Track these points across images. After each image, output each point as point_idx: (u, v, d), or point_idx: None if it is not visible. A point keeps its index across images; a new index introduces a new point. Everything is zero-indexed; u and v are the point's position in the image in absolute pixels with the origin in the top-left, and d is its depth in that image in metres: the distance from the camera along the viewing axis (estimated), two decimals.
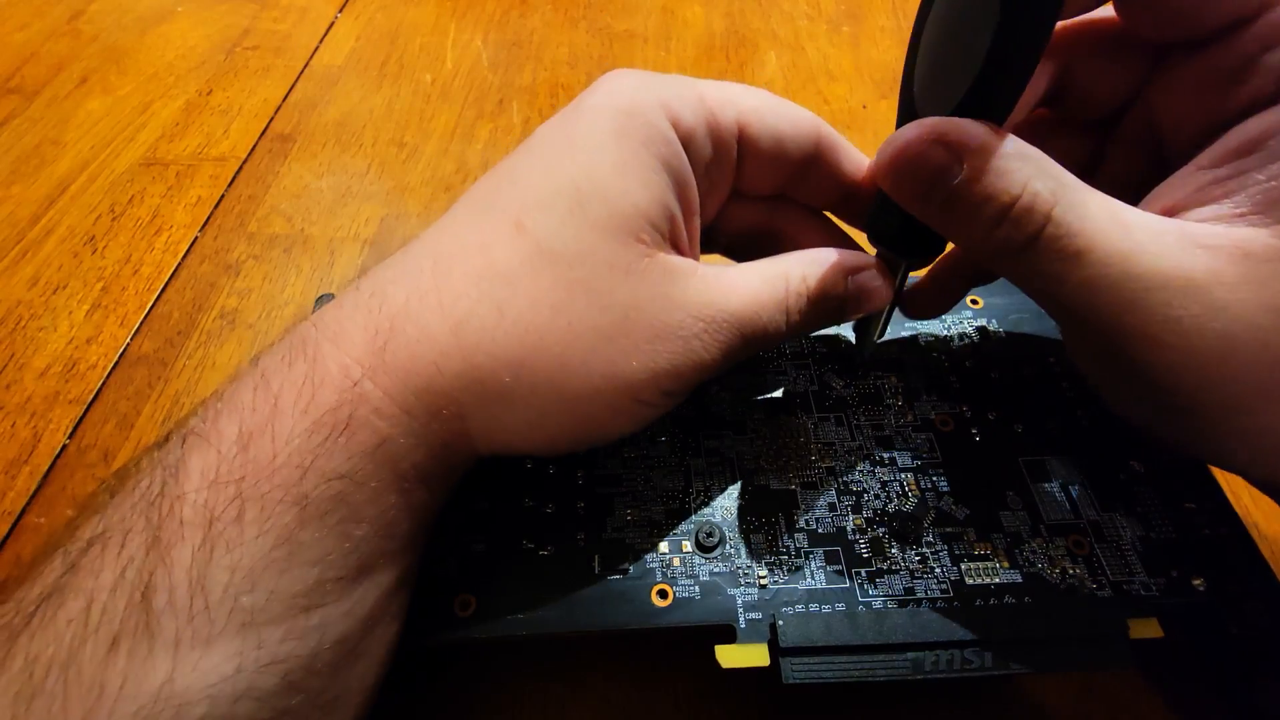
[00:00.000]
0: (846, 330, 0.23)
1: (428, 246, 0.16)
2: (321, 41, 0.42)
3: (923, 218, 0.15)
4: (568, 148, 0.15)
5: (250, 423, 0.14)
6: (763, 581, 0.18)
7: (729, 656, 0.16)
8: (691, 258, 0.17)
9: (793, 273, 0.17)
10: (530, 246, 0.15)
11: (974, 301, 0.24)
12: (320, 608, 0.13)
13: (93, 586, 0.12)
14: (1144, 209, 0.14)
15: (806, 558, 0.18)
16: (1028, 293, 0.15)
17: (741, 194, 0.19)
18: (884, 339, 0.23)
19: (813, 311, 0.17)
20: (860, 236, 0.19)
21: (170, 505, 0.13)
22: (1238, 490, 0.22)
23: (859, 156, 0.18)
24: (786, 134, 0.17)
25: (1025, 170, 0.13)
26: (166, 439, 0.15)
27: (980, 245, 0.14)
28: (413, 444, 0.15)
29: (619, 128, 0.15)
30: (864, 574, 0.18)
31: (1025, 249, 0.13)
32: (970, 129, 0.13)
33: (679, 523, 0.19)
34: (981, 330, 0.23)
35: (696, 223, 0.17)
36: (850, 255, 0.17)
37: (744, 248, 0.20)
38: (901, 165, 0.14)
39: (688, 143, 0.16)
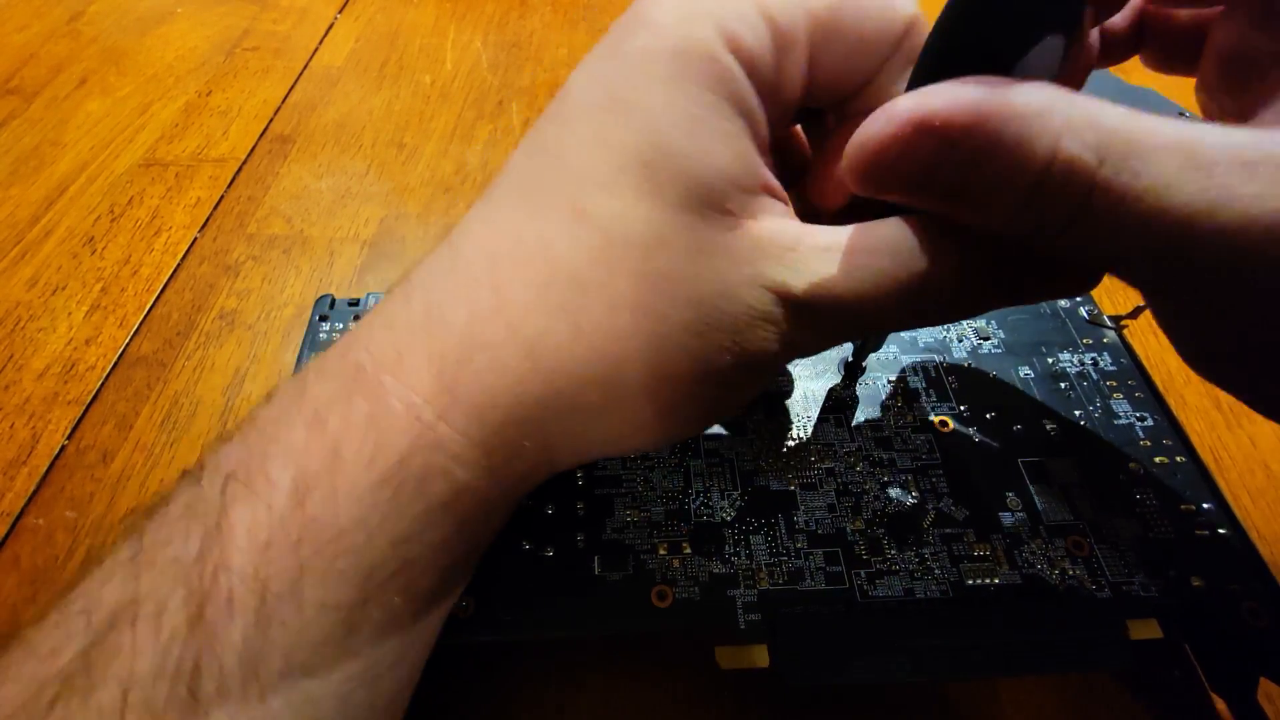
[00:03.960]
0: None
1: (479, 245, 0.13)
2: (321, 42, 0.42)
3: (928, 208, 0.12)
4: (620, 108, 0.12)
5: (306, 472, 0.12)
6: (762, 582, 0.18)
7: (729, 657, 0.16)
8: (780, 198, 0.14)
9: (916, 249, 0.13)
10: (597, 238, 0.12)
11: None
12: (376, 675, 0.12)
13: (129, 673, 0.10)
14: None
15: (806, 559, 0.18)
16: (1079, 259, 0.11)
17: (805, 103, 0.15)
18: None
19: (936, 302, 0.13)
20: None
21: (214, 572, 0.11)
22: (1237, 491, 0.22)
23: None
24: (870, 34, 0.13)
25: (1049, 128, 0.09)
26: (200, 473, 0.13)
27: (1013, 230, 0.11)
28: (488, 485, 0.13)
29: (676, 72, 0.12)
30: (863, 575, 0.18)
31: (1069, 226, 0.10)
32: (954, 96, 0.10)
33: (679, 523, 0.19)
34: (980, 331, 0.23)
35: (770, 158, 0.14)
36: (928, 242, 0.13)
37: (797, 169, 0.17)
38: (875, 173, 0.11)
39: (751, 69, 0.12)
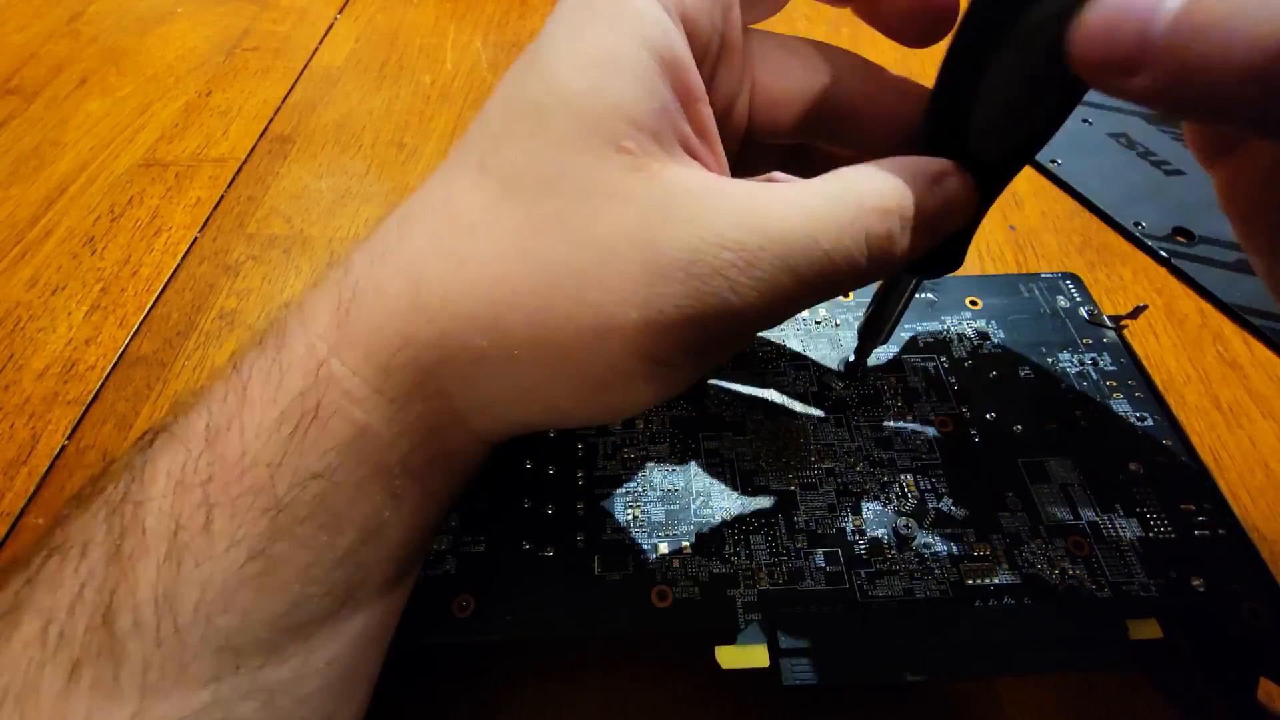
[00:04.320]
0: (847, 333, 0.23)
1: (401, 209, 0.14)
2: (321, 43, 0.42)
3: (1153, 93, 0.10)
4: (529, 63, 0.12)
5: (219, 416, 0.12)
6: (762, 582, 0.18)
7: (729, 657, 0.16)
8: (711, 165, 0.13)
9: (868, 185, 0.12)
10: (492, 186, 0.12)
11: (973, 302, 0.24)
12: (306, 628, 0.12)
13: (50, 605, 0.11)
14: None
15: (806, 558, 0.18)
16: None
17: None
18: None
19: (900, 240, 0.13)
20: None
21: (133, 511, 0.12)
22: (1237, 491, 0.22)
23: None
24: None
25: None
26: (142, 437, 0.13)
27: (1244, 78, 0.09)
28: (395, 432, 0.13)
29: (579, 18, 0.12)
30: (863, 575, 0.18)
31: None
32: None
33: (679, 523, 0.19)
34: (980, 331, 0.23)
35: (705, 111, 0.13)
36: (930, 161, 0.13)
37: (807, 155, 0.17)
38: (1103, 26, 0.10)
39: (684, 12, 0.12)
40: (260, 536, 0.12)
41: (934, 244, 0.13)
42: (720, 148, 0.14)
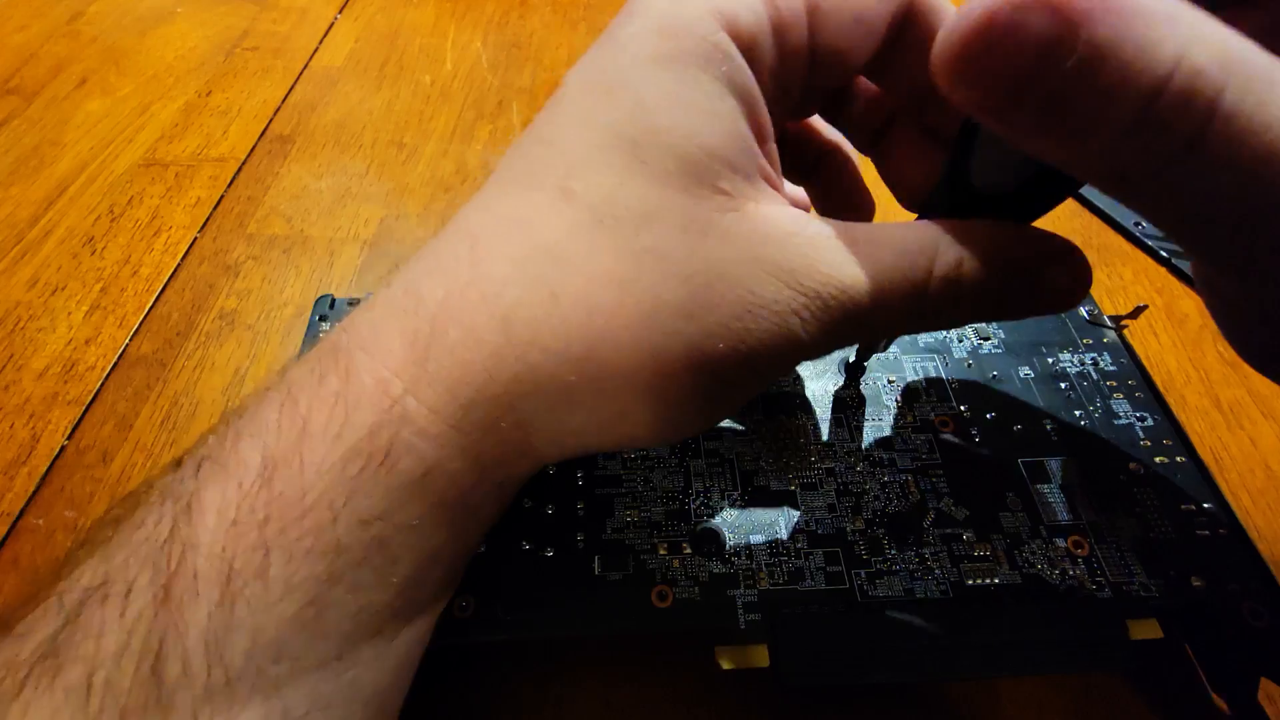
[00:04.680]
0: None
1: (464, 229, 0.13)
2: (321, 43, 0.42)
3: (1008, 131, 0.10)
4: (608, 90, 0.12)
5: (275, 449, 0.12)
6: (762, 582, 0.18)
7: (729, 657, 0.16)
8: (782, 191, 0.13)
9: (945, 249, 0.12)
10: (583, 214, 0.12)
11: None
12: (352, 668, 0.12)
13: (94, 653, 0.10)
14: None
15: (806, 559, 0.18)
16: (1163, 221, 0.10)
17: (811, 90, 0.15)
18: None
19: (961, 305, 0.12)
20: None
21: (182, 552, 0.11)
22: (1237, 491, 0.22)
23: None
24: (870, 9, 0.13)
25: (1177, 35, 0.08)
26: (180, 462, 0.13)
27: (1102, 164, 0.09)
28: (464, 468, 0.12)
29: (665, 52, 0.12)
30: (863, 575, 0.18)
31: (1174, 161, 0.09)
32: None
33: (679, 524, 0.19)
34: (980, 331, 0.23)
35: (773, 147, 0.14)
36: (1028, 234, 0.12)
37: (813, 162, 0.17)
38: (980, 49, 0.09)
39: (750, 51, 0.12)
40: (317, 582, 0.11)
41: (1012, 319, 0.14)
42: (780, 170, 0.14)
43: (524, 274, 0.12)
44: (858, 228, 0.13)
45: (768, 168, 0.13)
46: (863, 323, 0.12)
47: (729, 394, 0.13)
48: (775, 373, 0.13)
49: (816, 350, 0.13)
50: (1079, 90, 0.09)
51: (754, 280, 0.12)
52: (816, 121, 0.18)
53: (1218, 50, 0.08)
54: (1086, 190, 0.31)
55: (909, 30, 0.14)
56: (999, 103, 0.09)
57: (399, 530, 0.12)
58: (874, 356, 0.22)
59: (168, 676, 0.10)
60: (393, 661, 0.13)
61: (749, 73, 0.12)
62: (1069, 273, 0.13)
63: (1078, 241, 0.31)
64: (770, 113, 0.13)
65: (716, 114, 0.12)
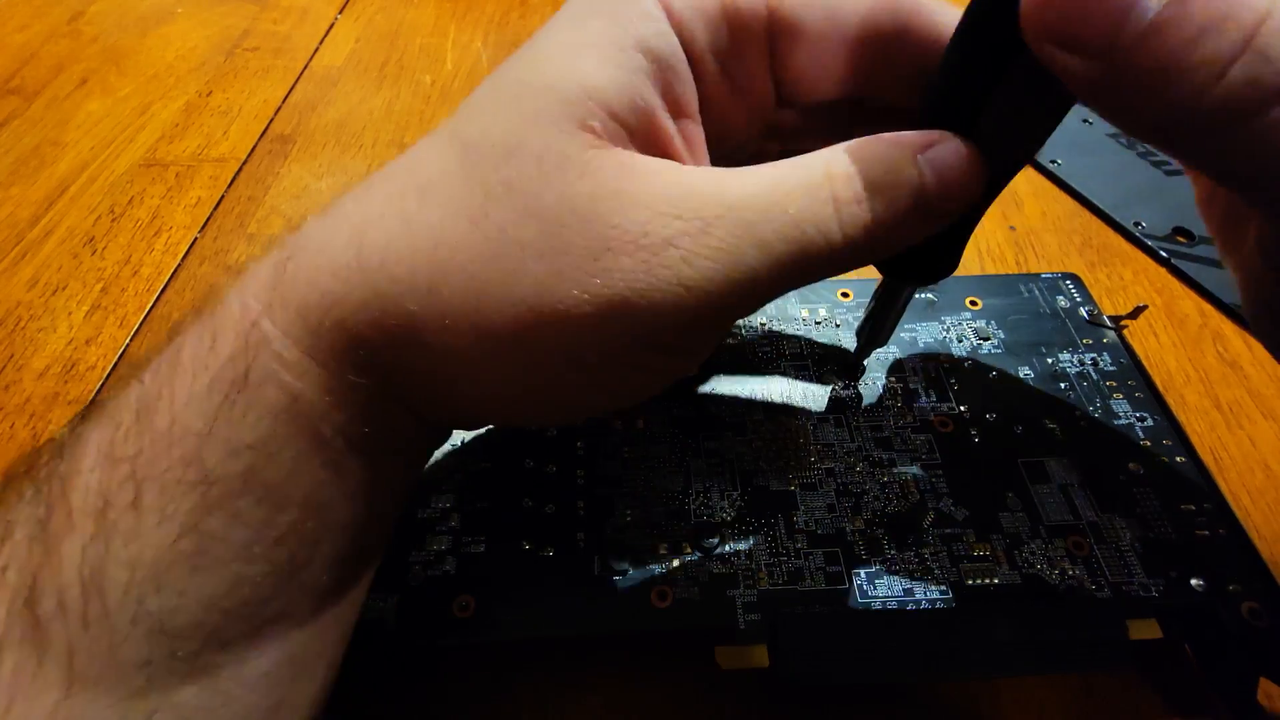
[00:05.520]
0: (847, 334, 0.23)
1: (375, 177, 0.13)
2: (321, 43, 0.42)
3: (1091, 83, 0.09)
4: (527, 45, 0.13)
5: (150, 385, 0.12)
6: (762, 583, 0.18)
7: (729, 657, 0.16)
8: (679, 159, 0.13)
9: (834, 154, 0.11)
10: (457, 151, 0.12)
11: (973, 303, 0.24)
12: (247, 610, 0.12)
13: None
14: None
15: (806, 559, 0.18)
16: (1242, 174, 0.09)
17: (794, 100, 0.14)
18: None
19: (878, 202, 0.11)
20: None
21: (59, 488, 0.11)
22: (1237, 491, 0.22)
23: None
24: (843, 6, 0.12)
25: None
26: (76, 415, 0.13)
27: (1192, 109, 0.09)
28: (330, 402, 0.12)
29: (581, 10, 0.12)
30: (863, 575, 0.18)
31: (1272, 101, 0.08)
32: None
33: (679, 524, 0.19)
34: (980, 331, 0.23)
35: (695, 130, 0.13)
36: (911, 133, 0.12)
37: None
38: (1065, 4, 0.09)
39: (682, 25, 0.12)
40: (191, 511, 0.11)
41: (927, 226, 0.12)
42: (705, 161, 0.13)
43: (389, 205, 0.12)
44: (743, 168, 0.12)
45: (674, 140, 0.12)
46: (770, 246, 0.11)
47: (622, 370, 0.12)
48: (676, 338, 0.12)
49: (721, 297, 0.11)
50: (1177, 25, 0.08)
51: (614, 213, 0.11)
52: None
53: None
54: (1087, 191, 0.31)
55: (902, 41, 0.13)
56: (1091, 45, 0.09)
57: (272, 459, 0.12)
58: (874, 356, 0.22)
59: (42, 610, 0.10)
60: (300, 618, 0.12)
61: (672, 39, 0.12)
62: (953, 150, 0.12)
63: (1077, 241, 0.31)
64: (711, 94, 0.13)
65: (607, 60, 0.11)
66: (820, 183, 0.11)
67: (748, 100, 0.14)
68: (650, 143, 0.12)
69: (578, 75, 0.11)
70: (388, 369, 0.12)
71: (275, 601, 0.12)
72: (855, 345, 0.21)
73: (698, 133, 0.13)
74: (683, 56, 0.12)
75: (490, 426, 0.20)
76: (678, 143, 0.12)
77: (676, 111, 0.12)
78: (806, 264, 0.11)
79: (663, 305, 0.11)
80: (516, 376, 0.12)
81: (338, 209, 0.13)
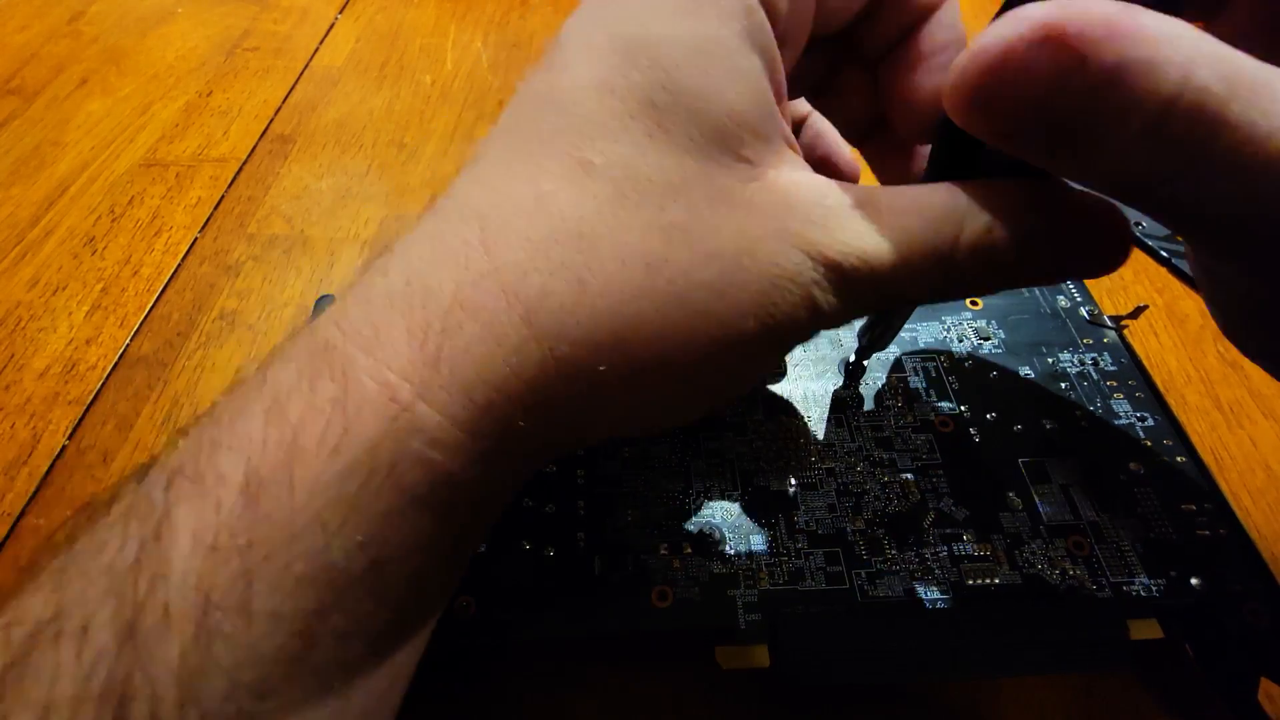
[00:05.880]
0: (847, 334, 0.23)
1: (468, 208, 0.12)
2: (321, 43, 0.42)
3: (1025, 156, 0.10)
4: (623, 47, 0.11)
5: (261, 464, 0.10)
6: (763, 582, 0.18)
7: (729, 657, 0.16)
8: (796, 152, 0.13)
9: (972, 213, 0.11)
10: (605, 188, 0.11)
11: (973, 303, 0.24)
12: (342, 695, 0.11)
13: (46, 698, 0.09)
14: None
15: (806, 559, 0.18)
16: (1175, 226, 0.10)
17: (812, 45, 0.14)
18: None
19: (991, 271, 0.12)
20: None
21: (150, 582, 0.10)
22: (1237, 491, 0.22)
23: None
24: None
25: (1181, 55, 0.08)
26: (145, 473, 0.11)
27: (1116, 178, 0.10)
28: (477, 475, 0.11)
29: (686, 5, 0.11)
30: (864, 575, 0.18)
31: (1186, 171, 0.09)
32: (1086, 7, 0.09)
33: (679, 523, 0.19)
34: (980, 331, 0.23)
35: (788, 105, 0.13)
36: (1058, 193, 0.12)
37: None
38: (993, 88, 0.09)
39: (767, 2, 0.12)
40: (307, 615, 0.10)
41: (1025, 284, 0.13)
42: (793, 129, 0.13)
43: (546, 258, 0.11)
44: (881, 193, 0.12)
45: (787, 129, 0.12)
46: (885, 292, 0.12)
47: (751, 367, 0.13)
48: (796, 343, 0.13)
49: (836, 320, 0.12)
50: (1091, 113, 0.09)
51: (780, 254, 0.11)
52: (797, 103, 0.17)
53: (1219, 66, 0.08)
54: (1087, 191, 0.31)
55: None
56: (1014, 130, 0.09)
57: (401, 549, 0.11)
58: (874, 356, 0.22)
59: (134, 717, 0.09)
60: (385, 682, 0.12)
61: (769, 27, 0.11)
62: (1104, 230, 0.12)
63: None
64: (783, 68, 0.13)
65: (740, 73, 0.11)
66: (944, 253, 0.11)
67: (795, 51, 0.13)
68: (780, 143, 0.12)
69: (720, 99, 0.11)
70: (554, 423, 0.12)
71: (367, 682, 0.11)
72: (857, 346, 0.21)
73: (789, 109, 0.13)
74: (775, 42, 0.12)
75: None
76: (789, 132, 0.12)
77: (779, 97, 0.12)
78: (900, 302, 0.12)
79: (802, 326, 0.12)
80: (682, 399, 0.12)
81: (469, 261, 0.11)
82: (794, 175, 0.12)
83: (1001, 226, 0.11)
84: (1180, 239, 0.29)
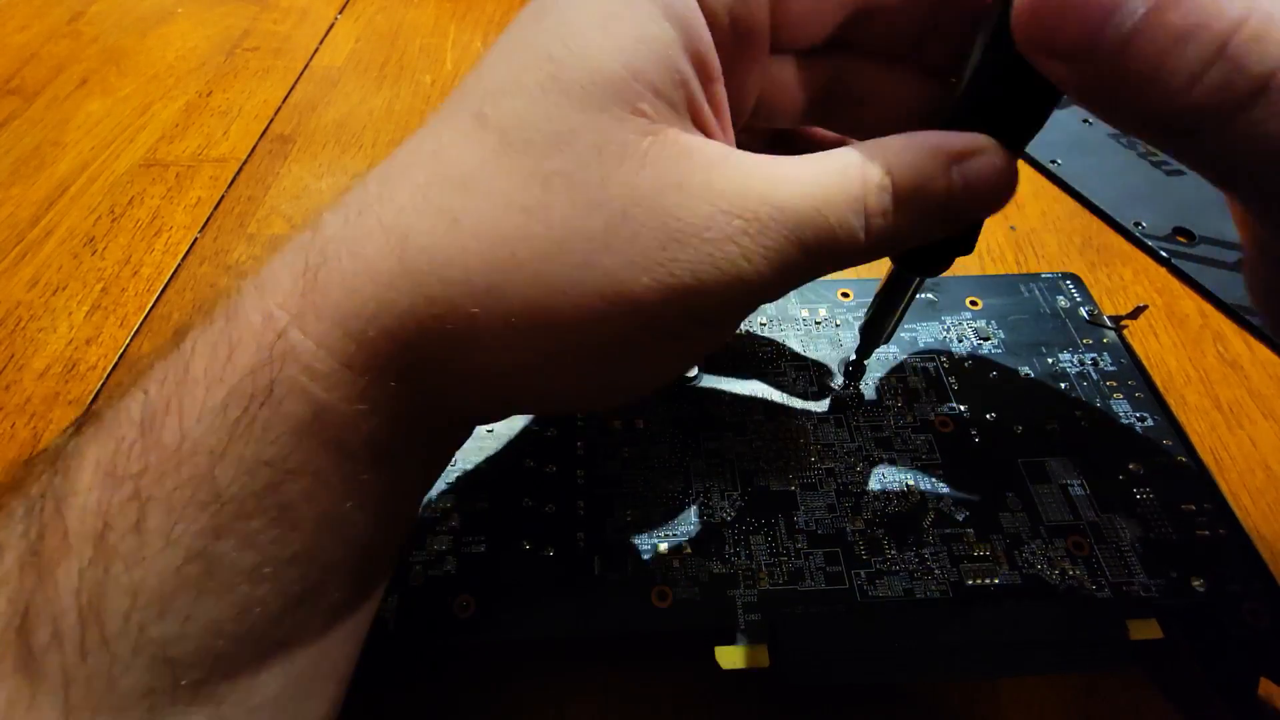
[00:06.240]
0: (847, 333, 0.23)
1: (378, 167, 0.12)
2: (321, 43, 0.42)
3: (1080, 82, 0.10)
4: (540, 13, 0.12)
5: (156, 398, 0.11)
6: (762, 583, 0.18)
7: (729, 657, 0.16)
8: (714, 137, 0.13)
9: (870, 162, 0.12)
10: (493, 139, 0.11)
11: (973, 302, 0.24)
12: (255, 633, 0.11)
13: None
14: None
15: (806, 559, 0.18)
16: (1222, 170, 0.10)
17: (782, 47, 0.14)
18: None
19: (904, 213, 0.12)
20: None
21: (53, 508, 0.10)
22: (1237, 491, 0.22)
23: None
24: None
25: None
26: (70, 425, 0.12)
27: (1171, 109, 0.09)
28: (363, 411, 0.11)
29: None
30: (863, 575, 0.18)
31: (1245, 104, 0.09)
32: None
33: (679, 524, 0.19)
34: (980, 331, 0.23)
35: (720, 91, 0.13)
36: (954, 136, 0.12)
37: (793, 140, 0.16)
38: (1059, 8, 0.09)
39: None
40: (200, 534, 0.10)
41: (949, 229, 0.13)
42: (730, 126, 0.13)
43: (427, 201, 0.11)
44: (785, 159, 0.12)
45: (704, 108, 0.12)
46: (809, 247, 0.12)
47: (668, 345, 0.12)
48: (722, 316, 0.12)
49: (766, 287, 0.12)
50: (1155, 31, 0.09)
51: (679, 206, 0.11)
52: (821, 131, 0.17)
53: None
54: (1087, 191, 0.31)
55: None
56: (1075, 49, 0.09)
57: (291, 477, 0.11)
58: (874, 356, 0.22)
59: (36, 640, 0.10)
60: (309, 638, 0.12)
61: (694, 4, 0.12)
62: (988, 163, 0.12)
63: (1078, 242, 0.31)
64: (729, 62, 0.13)
65: (645, 37, 0.11)
66: (855, 194, 0.12)
67: (749, 52, 0.13)
68: (686, 113, 0.12)
69: (619, 54, 0.11)
70: (434, 370, 0.12)
71: (284, 624, 0.11)
72: (859, 344, 0.21)
73: (722, 94, 0.13)
74: (703, 21, 0.12)
75: (493, 424, 0.20)
76: (708, 111, 0.12)
77: (705, 76, 0.12)
78: (834, 261, 0.12)
79: (719, 291, 0.11)
80: (569, 364, 0.12)
81: (361, 205, 0.12)
82: (699, 138, 0.12)
83: (900, 168, 0.12)
84: (1182, 240, 0.29)
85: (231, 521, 0.11)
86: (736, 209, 0.11)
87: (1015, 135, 0.13)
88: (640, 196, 0.11)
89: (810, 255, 0.12)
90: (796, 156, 0.12)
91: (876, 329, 0.19)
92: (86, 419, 0.11)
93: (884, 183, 0.12)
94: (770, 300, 0.13)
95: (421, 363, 0.11)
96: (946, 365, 0.22)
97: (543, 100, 0.11)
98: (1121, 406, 0.21)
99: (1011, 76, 0.12)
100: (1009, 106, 0.12)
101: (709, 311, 0.12)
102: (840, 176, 0.12)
